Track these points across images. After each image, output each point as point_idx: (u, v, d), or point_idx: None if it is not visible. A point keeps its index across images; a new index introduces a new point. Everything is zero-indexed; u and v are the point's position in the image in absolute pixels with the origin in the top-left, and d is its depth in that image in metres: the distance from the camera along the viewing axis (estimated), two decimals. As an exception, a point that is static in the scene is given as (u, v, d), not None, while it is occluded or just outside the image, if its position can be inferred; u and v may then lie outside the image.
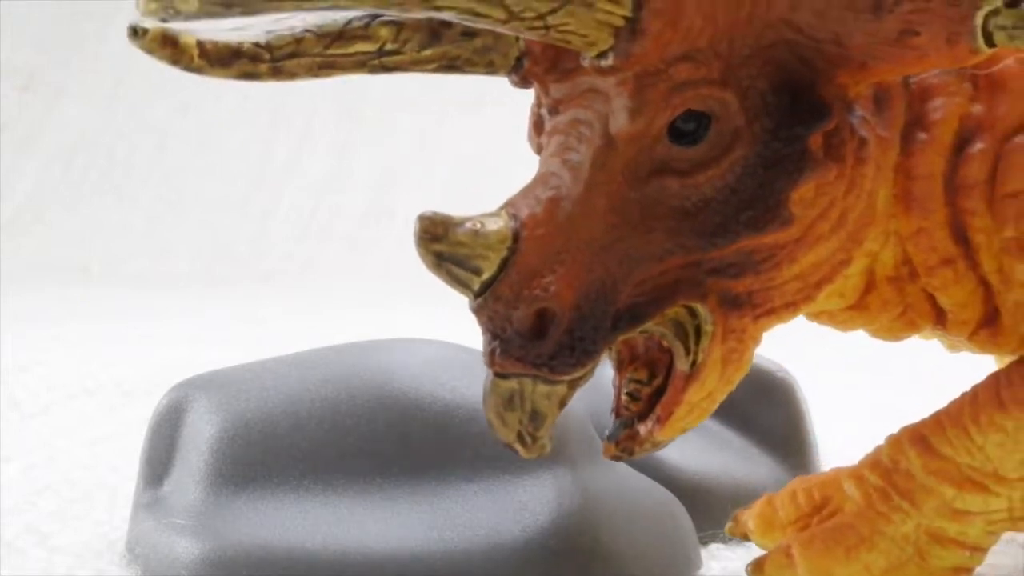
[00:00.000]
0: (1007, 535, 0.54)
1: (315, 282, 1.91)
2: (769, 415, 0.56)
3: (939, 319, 0.42)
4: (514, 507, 0.47)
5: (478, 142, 2.09)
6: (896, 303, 0.42)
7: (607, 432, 0.39)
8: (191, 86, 2.38)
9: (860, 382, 0.89)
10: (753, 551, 0.53)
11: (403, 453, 0.48)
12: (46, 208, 2.22)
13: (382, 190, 2.13)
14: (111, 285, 1.89)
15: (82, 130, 2.35)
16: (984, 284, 0.41)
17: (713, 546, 0.53)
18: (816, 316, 0.43)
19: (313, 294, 1.77)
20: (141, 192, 2.22)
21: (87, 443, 0.77)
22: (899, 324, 0.42)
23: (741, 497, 0.54)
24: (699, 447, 0.55)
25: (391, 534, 0.45)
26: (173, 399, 0.50)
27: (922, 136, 0.39)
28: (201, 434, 0.48)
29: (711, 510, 0.53)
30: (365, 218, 2.09)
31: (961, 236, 0.40)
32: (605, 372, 0.55)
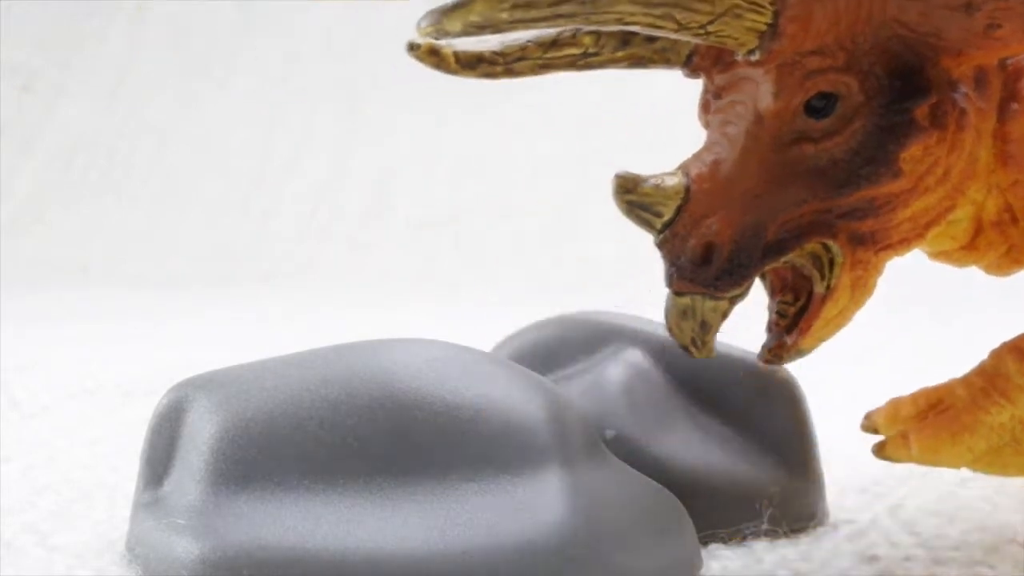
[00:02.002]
0: (1007, 535, 0.54)
1: (315, 282, 1.91)
2: (770, 415, 0.56)
3: None
4: (514, 507, 0.47)
5: (478, 142, 2.09)
6: (1000, 243, 0.51)
7: (763, 344, 0.48)
8: (191, 86, 2.38)
9: (860, 380, 0.89)
10: (753, 552, 0.53)
11: (403, 453, 0.48)
12: (46, 208, 2.22)
13: (382, 190, 2.13)
14: (111, 285, 1.89)
15: (82, 130, 2.35)
16: None
17: (713, 546, 0.53)
18: (936, 255, 0.53)
19: (313, 294, 1.77)
20: (141, 192, 2.22)
21: (87, 443, 0.77)
22: (1006, 261, 0.52)
23: (741, 497, 0.54)
24: (700, 447, 0.55)
25: (391, 534, 0.45)
26: (173, 399, 0.50)
27: (1015, 107, 0.48)
28: (201, 434, 0.48)
29: (711, 510, 0.53)
30: (365, 218, 2.08)
31: None
32: (606, 375, 0.55)
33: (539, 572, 0.45)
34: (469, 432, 0.49)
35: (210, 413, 0.48)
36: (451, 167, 2.09)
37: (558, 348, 0.59)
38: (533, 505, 0.47)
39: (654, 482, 0.52)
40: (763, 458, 0.55)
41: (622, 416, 0.54)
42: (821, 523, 0.56)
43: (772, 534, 0.54)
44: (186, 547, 0.45)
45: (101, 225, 2.16)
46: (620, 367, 0.56)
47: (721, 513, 0.53)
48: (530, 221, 2.00)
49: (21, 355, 1.11)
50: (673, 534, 0.50)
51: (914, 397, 0.54)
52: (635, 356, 0.56)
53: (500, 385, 0.51)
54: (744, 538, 0.54)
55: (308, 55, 2.37)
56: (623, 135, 2.01)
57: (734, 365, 0.56)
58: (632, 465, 0.53)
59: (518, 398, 0.50)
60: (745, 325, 0.56)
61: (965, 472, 0.64)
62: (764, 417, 0.56)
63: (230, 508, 0.46)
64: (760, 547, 0.53)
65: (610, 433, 0.53)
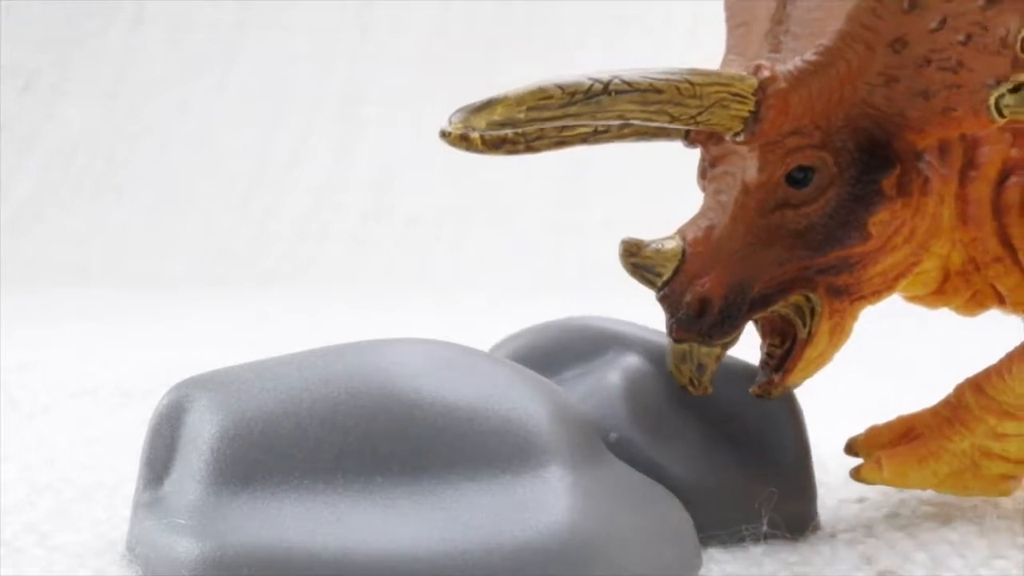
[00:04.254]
0: (1007, 541, 0.54)
1: (315, 282, 1.91)
2: (766, 422, 0.57)
3: (1000, 300, 0.57)
4: (514, 507, 0.47)
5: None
6: (966, 289, 0.57)
7: (755, 380, 0.55)
8: (191, 86, 2.38)
9: (856, 384, 0.89)
10: (751, 554, 0.53)
11: (403, 453, 0.48)
12: (46, 208, 2.22)
13: (382, 190, 2.13)
14: (111, 285, 1.89)
15: (82, 130, 2.35)
16: None
17: (711, 549, 0.53)
18: (911, 299, 0.59)
19: (313, 294, 1.77)
20: (141, 192, 2.22)
21: (87, 443, 0.77)
22: (972, 304, 0.58)
23: (738, 500, 0.54)
24: (699, 452, 0.55)
25: (391, 534, 0.45)
26: (173, 399, 0.50)
27: (973, 173, 0.54)
28: (201, 434, 0.48)
29: (710, 512, 0.53)
30: (365, 218, 2.09)
31: (1006, 242, 0.55)
32: (606, 380, 0.55)
33: (539, 572, 0.45)
34: (469, 432, 0.49)
35: (210, 413, 0.48)
36: (451, 167, 2.09)
37: (556, 353, 0.59)
38: (533, 505, 0.47)
39: (654, 482, 0.52)
40: (760, 462, 0.56)
41: (622, 420, 0.54)
42: (815, 529, 0.56)
43: (771, 537, 0.54)
44: (186, 547, 0.45)
45: (101, 225, 2.16)
46: (620, 372, 0.56)
47: (720, 516, 0.53)
48: (530, 221, 2.00)
49: (21, 355, 1.11)
50: (673, 535, 0.50)
51: (890, 424, 0.59)
52: (634, 361, 0.56)
53: (500, 385, 0.51)
54: (743, 540, 0.54)
55: (308, 55, 2.37)
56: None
57: (729, 371, 0.57)
58: (632, 466, 0.53)
59: (519, 398, 0.50)
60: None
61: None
62: (760, 422, 0.56)
63: (230, 508, 0.46)
64: (759, 550, 0.53)
65: (613, 436, 0.53)
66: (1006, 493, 0.57)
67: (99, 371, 1.04)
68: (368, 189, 2.13)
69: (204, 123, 2.31)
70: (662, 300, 0.52)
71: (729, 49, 0.56)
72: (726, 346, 0.53)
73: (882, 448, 0.58)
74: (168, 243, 2.09)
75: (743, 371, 0.57)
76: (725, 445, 0.56)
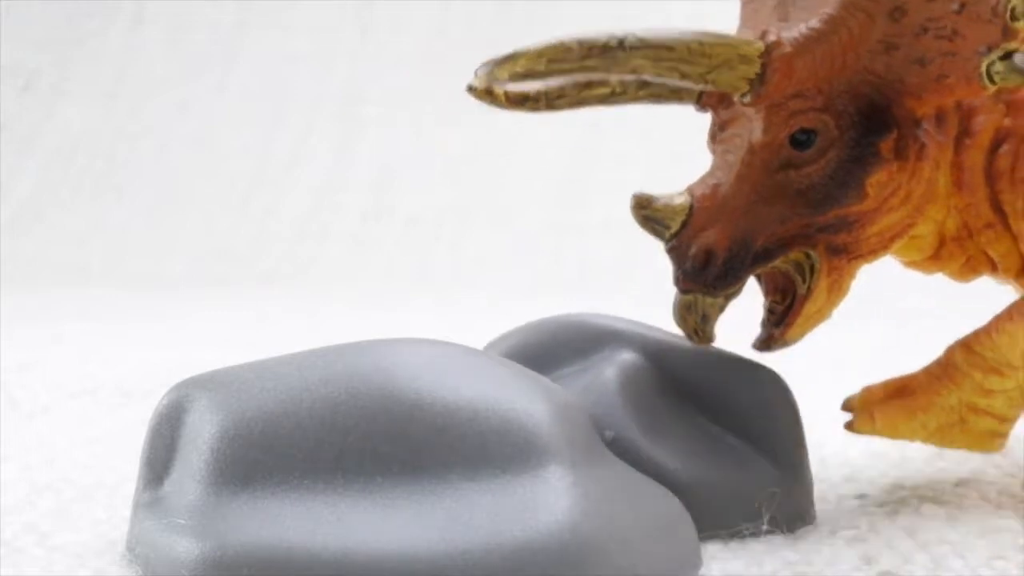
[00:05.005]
0: (1007, 541, 0.54)
1: (315, 282, 1.91)
2: (762, 417, 0.57)
3: (993, 267, 0.59)
4: (514, 507, 0.46)
5: (477, 142, 2.09)
6: (960, 255, 0.59)
7: (756, 336, 0.57)
8: (191, 86, 2.38)
9: (860, 384, 0.89)
10: (751, 553, 0.53)
11: (403, 453, 0.48)
12: (46, 208, 2.22)
13: (382, 190, 2.13)
14: (111, 285, 1.89)
15: (82, 130, 2.35)
16: (1017, 240, 0.57)
17: (712, 547, 0.53)
18: (909, 264, 0.61)
19: (313, 294, 1.77)
20: (141, 192, 2.22)
21: (87, 443, 0.77)
22: (965, 269, 0.60)
23: (737, 498, 0.54)
24: (696, 449, 0.55)
25: (391, 534, 0.45)
26: (173, 399, 0.49)
27: (968, 141, 0.57)
28: (201, 434, 0.48)
29: (709, 511, 0.53)
30: (365, 218, 2.08)
31: (997, 208, 0.57)
32: (602, 377, 0.55)
33: (539, 572, 0.45)
34: (469, 431, 0.49)
35: (210, 413, 0.48)
36: (451, 167, 2.09)
37: (552, 349, 0.59)
38: (533, 505, 0.47)
39: (654, 482, 0.52)
40: (758, 459, 0.56)
41: (618, 418, 0.54)
42: (811, 525, 0.56)
43: (771, 534, 0.54)
44: (186, 547, 0.45)
45: (101, 225, 2.16)
46: (615, 369, 0.56)
47: (715, 513, 0.53)
48: (530, 221, 2.00)
49: (21, 355, 1.11)
50: (673, 534, 0.50)
51: (885, 383, 0.62)
52: (630, 358, 0.56)
53: (500, 385, 0.51)
54: (743, 538, 0.54)
55: (308, 55, 2.37)
56: (623, 136, 2.01)
57: (726, 368, 0.57)
58: (632, 465, 0.53)
59: (519, 398, 0.50)
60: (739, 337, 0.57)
61: (963, 475, 0.65)
62: (757, 419, 0.57)
63: (230, 508, 0.46)
64: (759, 549, 0.53)
65: (609, 434, 0.53)
66: (993, 449, 0.61)
67: (99, 371, 1.04)
68: (368, 189, 2.13)
69: (204, 123, 2.31)
70: (670, 252, 0.55)
71: (742, 24, 0.58)
72: (729, 297, 0.55)
73: (876, 403, 0.61)
74: (168, 243, 2.09)
75: (739, 365, 0.57)
76: (721, 441, 0.56)
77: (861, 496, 0.61)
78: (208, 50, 2.42)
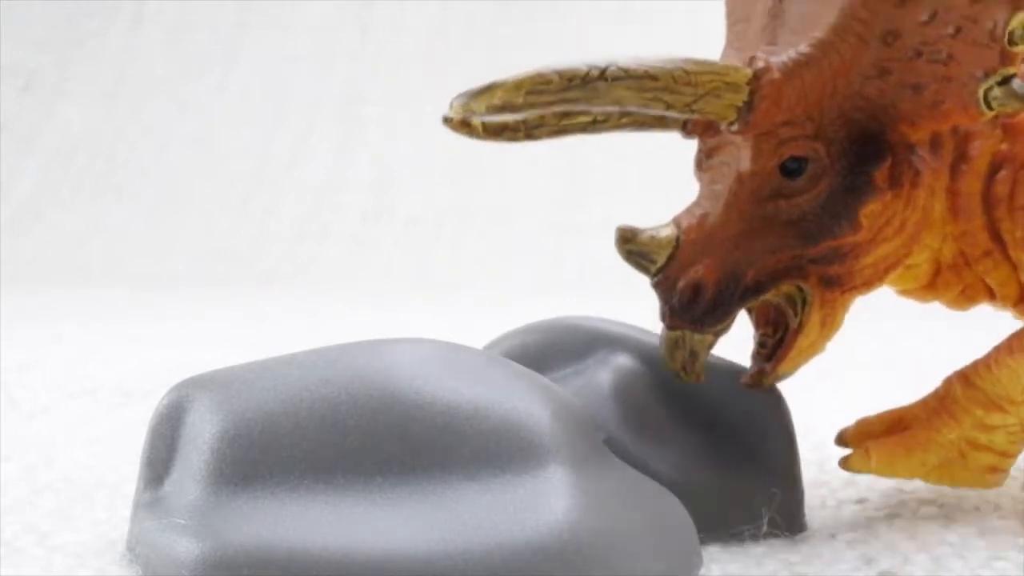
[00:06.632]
0: (1007, 542, 0.54)
1: (315, 282, 1.91)
2: (755, 422, 0.56)
3: (990, 295, 0.58)
4: (514, 507, 0.46)
5: (477, 142, 2.09)
6: (956, 283, 0.58)
7: (747, 370, 0.56)
8: (191, 86, 2.38)
9: (860, 388, 0.89)
10: (751, 554, 0.53)
11: (403, 453, 0.48)
12: (46, 208, 2.21)
13: (382, 190, 2.13)
14: (111, 285, 1.89)
15: (82, 130, 2.35)
16: (1016, 268, 0.56)
17: (711, 548, 0.53)
18: (903, 293, 0.59)
19: (313, 294, 1.77)
20: (141, 192, 2.22)
21: (87, 443, 0.77)
22: (962, 298, 0.58)
23: (726, 500, 0.54)
24: (691, 452, 0.55)
25: (391, 534, 0.45)
26: (173, 399, 0.49)
27: (964, 167, 0.55)
28: (201, 434, 0.48)
29: (708, 512, 0.53)
30: (365, 218, 2.08)
31: (995, 235, 0.55)
32: (597, 379, 0.55)
33: (539, 572, 0.45)
34: (469, 431, 0.49)
35: (210, 413, 0.48)
36: (451, 167, 2.09)
37: (547, 352, 0.58)
38: (533, 505, 0.47)
39: (654, 482, 0.52)
40: (751, 463, 0.56)
41: (613, 420, 0.54)
42: (802, 528, 0.56)
43: (770, 537, 0.54)
44: (186, 547, 0.45)
45: (101, 225, 2.16)
46: (610, 372, 0.56)
47: (708, 516, 0.53)
48: (530, 221, 2.00)
49: (21, 355, 1.11)
50: (674, 534, 0.50)
51: (880, 416, 0.59)
52: (625, 361, 0.56)
53: (500, 385, 0.51)
54: (742, 541, 0.54)
55: (308, 55, 2.37)
56: (623, 136, 2.01)
57: (719, 373, 0.57)
58: (632, 466, 0.53)
59: (519, 397, 0.50)
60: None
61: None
62: (749, 423, 0.56)
63: (230, 508, 0.46)
64: (759, 551, 0.53)
65: (602, 437, 0.53)
66: (994, 485, 0.58)
67: (99, 371, 1.04)
68: (368, 189, 2.13)
69: (204, 123, 2.31)
70: (656, 287, 0.53)
71: (728, 45, 0.57)
72: (718, 333, 0.53)
73: (872, 439, 0.58)
74: (168, 243, 2.09)
75: (731, 371, 0.57)
76: (714, 445, 0.56)
77: (861, 500, 0.61)
78: (208, 50, 2.41)
